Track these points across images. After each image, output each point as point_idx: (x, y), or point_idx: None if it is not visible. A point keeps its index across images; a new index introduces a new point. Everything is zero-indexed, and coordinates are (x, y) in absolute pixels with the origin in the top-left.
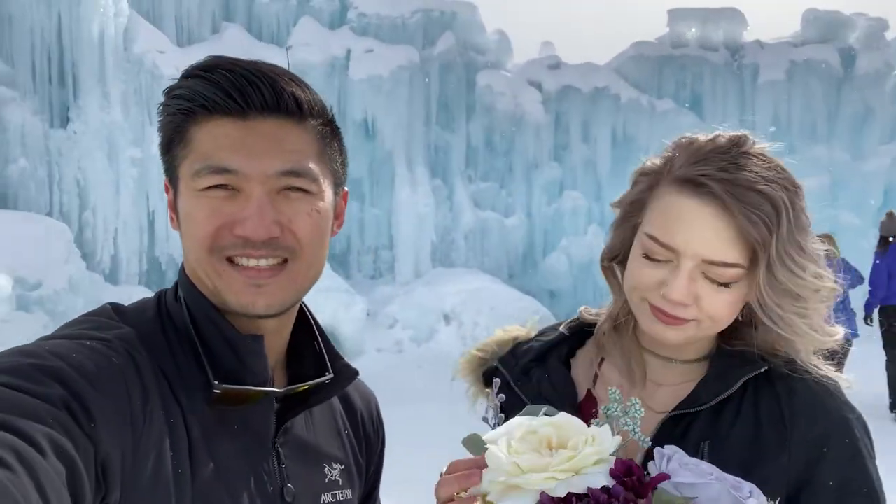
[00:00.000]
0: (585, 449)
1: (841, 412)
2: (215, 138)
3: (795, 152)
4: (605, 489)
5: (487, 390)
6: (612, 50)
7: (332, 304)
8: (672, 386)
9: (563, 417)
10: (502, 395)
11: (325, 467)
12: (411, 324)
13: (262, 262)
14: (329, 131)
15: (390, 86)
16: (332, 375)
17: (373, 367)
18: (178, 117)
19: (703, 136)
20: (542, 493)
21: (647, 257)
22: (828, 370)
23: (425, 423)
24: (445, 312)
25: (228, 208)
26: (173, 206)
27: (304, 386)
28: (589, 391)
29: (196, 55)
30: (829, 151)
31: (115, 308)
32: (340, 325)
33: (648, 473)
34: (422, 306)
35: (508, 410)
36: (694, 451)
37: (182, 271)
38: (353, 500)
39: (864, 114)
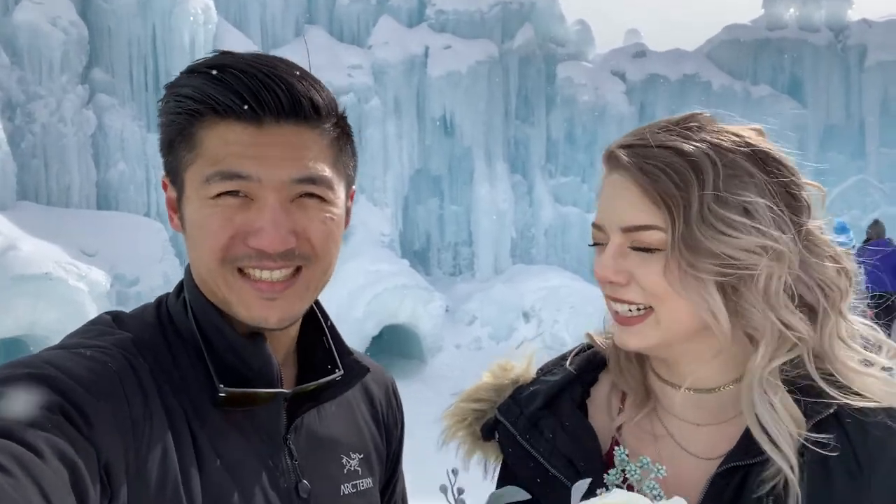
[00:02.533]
0: None
1: None
2: (227, 144)
3: None
4: None
5: (489, 443)
6: (703, 35)
7: (410, 301)
8: (714, 425)
9: (622, 497)
10: (461, 490)
11: (342, 458)
12: (490, 321)
13: (277, 274)
14: (342, 132)
15: (469, 81)
16: (341, 373)
17: (451, 363)
18: (184, 118)
19: None
20: None
21: (594, 244)
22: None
23: None
24: (525, 310)
25: (241, 217)
26: (174, 206)
27: (312, 385)
28: (614, 439)
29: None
30: None
31: (114, 316)
32: (419, 321)
33: None
34: (501, 303)
35: (517, 468)
36: None
37: (188, 273)
38: (375, 487)
39: None
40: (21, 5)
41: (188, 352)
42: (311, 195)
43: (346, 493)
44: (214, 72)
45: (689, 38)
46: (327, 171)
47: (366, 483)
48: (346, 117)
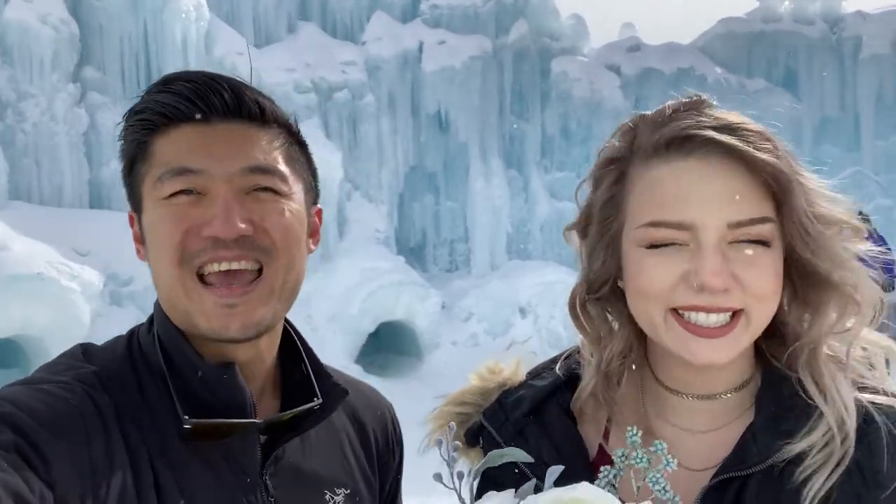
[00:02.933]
0: None
1: None
2: (177, 144)
3: None
4: None
5: (474, 449)
6: (698, 28)
7: (406, 297)
8: (710, 433)
9: (588, 492)
10: (456, 443)
11: (325, 494)
12: (486, 317)
13: (235, 265)
14: (295, 142)
15: (463, 77)
16: (320, 401)
17: (448, 360)
18: (140, 133)
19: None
20: None
21: (654, 247)
22: (884, 386)
23: None
24: (521, 306)
25: (194, 213)
26: (139, 238)
27: (288, 414)
28: (601, 447)
29: (274, 54)
30: None
31: (84, 349)
32: (415, 318)
33: None
34: (497, 299)
35: (499, 475)
36: None
37: (157, 303)
38: None
39: None
40: (11, 3)
41: (157, 384)
42: (266, 189)
43: None
44: (164, 85)
45: (684, 32)
46: (280, 164)
47: None
48: (298, 131)
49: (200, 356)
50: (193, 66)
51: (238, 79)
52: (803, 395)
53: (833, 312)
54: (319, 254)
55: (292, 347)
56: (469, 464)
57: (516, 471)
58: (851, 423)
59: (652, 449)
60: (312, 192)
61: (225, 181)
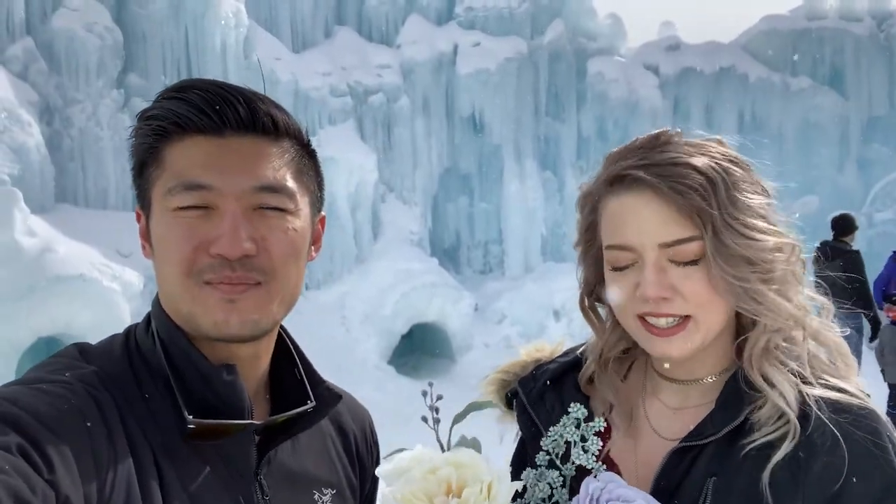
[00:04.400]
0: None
1: (867, 441)
2: (189, 156)
3: None
4: None
5: (509, 411)
6: (740, 26)
7: (439, 299)
8: (689, 409)
9: (467, 455)
10: (439, 395)
11: (314, 494)
12: (520, 319)
13: (237, 281)
14: (305, 153)
15: (498, 78)
16: (313, 404)
17: (481, 362)
18: (152, 138)
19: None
20: None
21: (615, 269)
22: (844, 383)
23: None
24: (555, 308)
25: (203, 228)
26: (145, 235)
27: (283, 417)
28: (606, 419)
29: (310, 59)
30: None
31: (81, 348)
32: (448, 320)
33: None
34: (531, 302)
35: (526, 435)
36: (700, 488)
37: (155, 303)
38: None
39: None
40: (58, 13)
41: (156, 383)
42: (273, 207)
43: None
44: (178, 93)
45: (725, 30)
46: (288, 182)
47: None
48: (309, 142)
49: (204, 356)
50: (232, 71)
51: (251, 90)
52: (748, 386)
53: (765, 327)
54: (354, 255)
55: (285, 351)
56: (509, 421)
57: (534, 430)
58: (791, 412)
59: (592, 424)
60: (318, 203)
61: (234, 198)
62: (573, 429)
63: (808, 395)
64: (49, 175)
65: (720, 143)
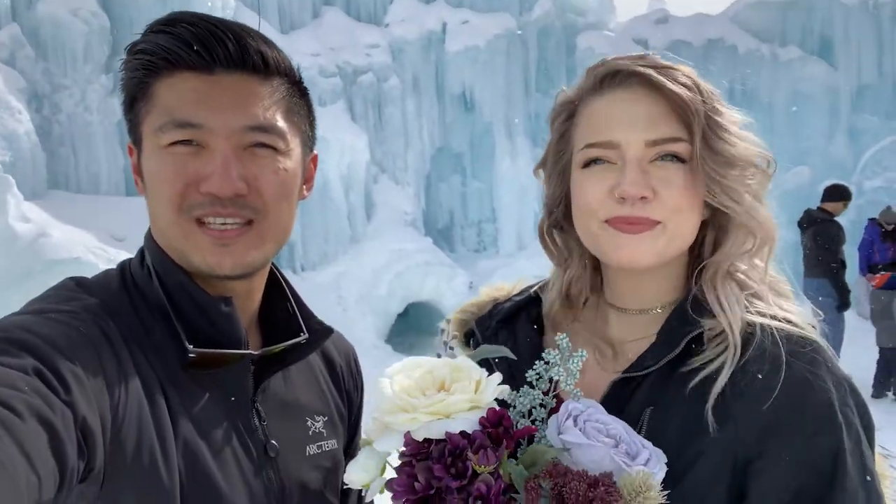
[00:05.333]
0: (456, 394)
1: (805, 371)
2: (179, 93)
3: None
4: (463, 434)
5: (468, 348)
6: None
7: (433, 278)
8: (635, 342)
9: (465, 361)
10: (451, 345)
11: (307, 420)
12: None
13: (230, 222)
14: (297, 91)
15: (487, 56)
16: (307, 336)
17: None
18: (141, 73)
19: None
20: (406, 435)
21: (590, 165)
22: (791, 309)
23: None
24: None
25: (193, 165)
26: (137, 169)
27: (279, 347)
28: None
29: (299, 40)
30: None
31: (78, 281)
32: (442, 298)
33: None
34: (525, 278)
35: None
36: (637, 419)
37: (149, 238)
38: (339, 448)
39: None
40: None
41: (154, 316)
42: (264, 145)
43: (312, 453)
44: (167, 26)
45: (713, 2)
46: (279, 121)
47: (330, 444)
48: (301, 79)
49: (202, 289)
50: None
51: (241, 25)
52: (695, 311)
53: (736, 239)
54: (348, 236)
55: (276, 286)
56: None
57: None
58: (736, 336)
59: (574, 354)
60: (310, 142)
61: (225, 137)
62: (556, 356)
63: (753, 322)
64: (41, 161)
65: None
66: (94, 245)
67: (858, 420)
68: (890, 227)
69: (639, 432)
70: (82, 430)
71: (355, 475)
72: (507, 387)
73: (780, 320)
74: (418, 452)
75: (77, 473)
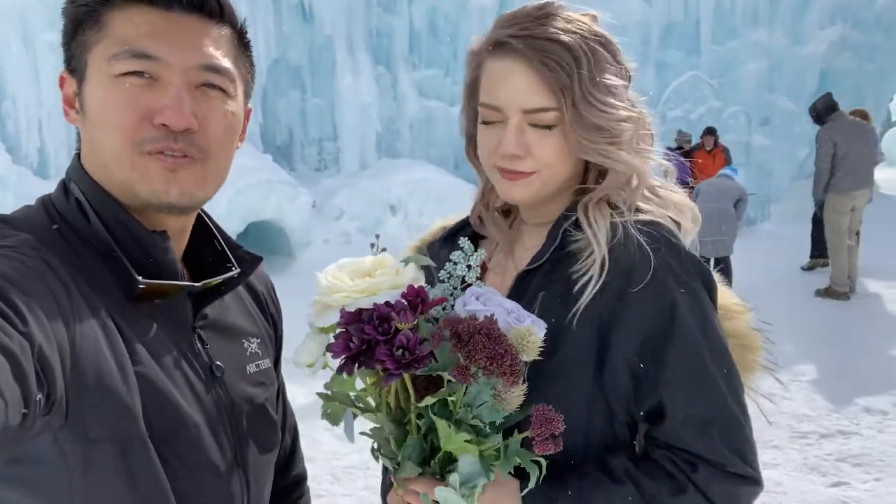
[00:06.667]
0: (379, 277)
1: (649, 247)
2: (137, 25)
3: (737, 37)
4: (388, 304)
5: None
6: None
7: (275, 196)
8: (537, 247)
9: (386, 257)
10: (384, 248)
11: (243, 342)
12: (357, 215)
13: (178, 156)
14: (241, 43)
15: None
16: (238, 270)
17: (321, 258)
18: (93, 2)
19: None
20: (342, 310)
21: (485, 123)
22: (652, 209)
23: None
24: (391, 203)
25: (147, 97)
26: (71, 100)
27: (217, 280)
28: (484, 264)
29: None
30: (769, 36)
31: (2, 218)
32: (286, 217)
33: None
34: (368, 197)
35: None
36: (532, 301)
37: (78, 170)
38: (271, 367)
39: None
40: None
41: (89, 251)
42: (214, 86)
43: (251, 371)
44: None
45: None
46: (230, 65)
47: (265, 363)
48: (245, 32)
49: (140, 223)
50: None
51: None
52: (573, 226)
53: (612, 180)
54: None
55: (202, 226)
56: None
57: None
58: (603, 248)
59: (474, 254)
60: (250, 93)
61: (181, 72)
62: (461, 256)
63: (617, 223)
64: None
65: (594, 19)
66: None
67: (700, 281)
68: (686, 147)
69: (534, 311)
70: (40, 360)
71: (301, 357)
72: (422, 273)
73: (644, 220)
74: (352, 322)
75: (39, 405)
